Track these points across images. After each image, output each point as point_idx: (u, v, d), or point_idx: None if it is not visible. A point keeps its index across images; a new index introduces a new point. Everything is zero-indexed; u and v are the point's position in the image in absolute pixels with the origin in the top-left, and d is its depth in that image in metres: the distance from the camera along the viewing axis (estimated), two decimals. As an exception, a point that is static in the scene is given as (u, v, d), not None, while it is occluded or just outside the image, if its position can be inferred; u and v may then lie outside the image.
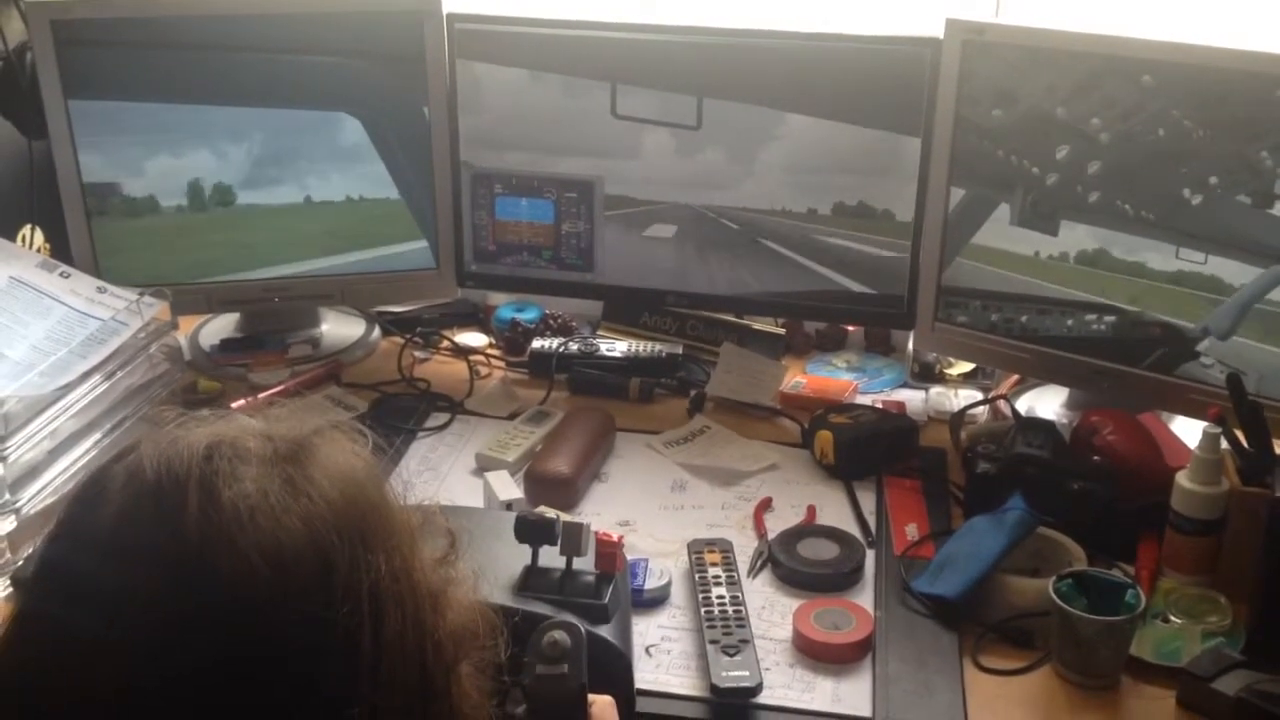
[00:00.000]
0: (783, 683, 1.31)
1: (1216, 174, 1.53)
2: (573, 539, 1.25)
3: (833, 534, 1.52)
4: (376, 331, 2.08)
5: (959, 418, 1.76)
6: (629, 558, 1.38)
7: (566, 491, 1.59)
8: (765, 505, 1.61)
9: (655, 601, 1.42)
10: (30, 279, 1.67)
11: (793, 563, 1.46)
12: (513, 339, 2.02)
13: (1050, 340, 1.71)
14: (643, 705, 1.26)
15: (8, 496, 1.43)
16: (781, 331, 2.03)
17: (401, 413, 1.82)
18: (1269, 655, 1.28)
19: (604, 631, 1.21)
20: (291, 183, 1.93)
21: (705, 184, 1.89)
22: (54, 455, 1.52)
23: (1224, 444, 1.40)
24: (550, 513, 1.47)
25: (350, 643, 0.72)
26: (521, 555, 1.26)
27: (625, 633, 1.27)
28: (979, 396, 1.84)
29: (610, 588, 1.25)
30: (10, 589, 1.34)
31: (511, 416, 1.81)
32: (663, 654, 1.35)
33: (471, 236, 1.98)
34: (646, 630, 1.38)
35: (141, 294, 1.67)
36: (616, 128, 1.88)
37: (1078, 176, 1.63)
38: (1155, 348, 1.63)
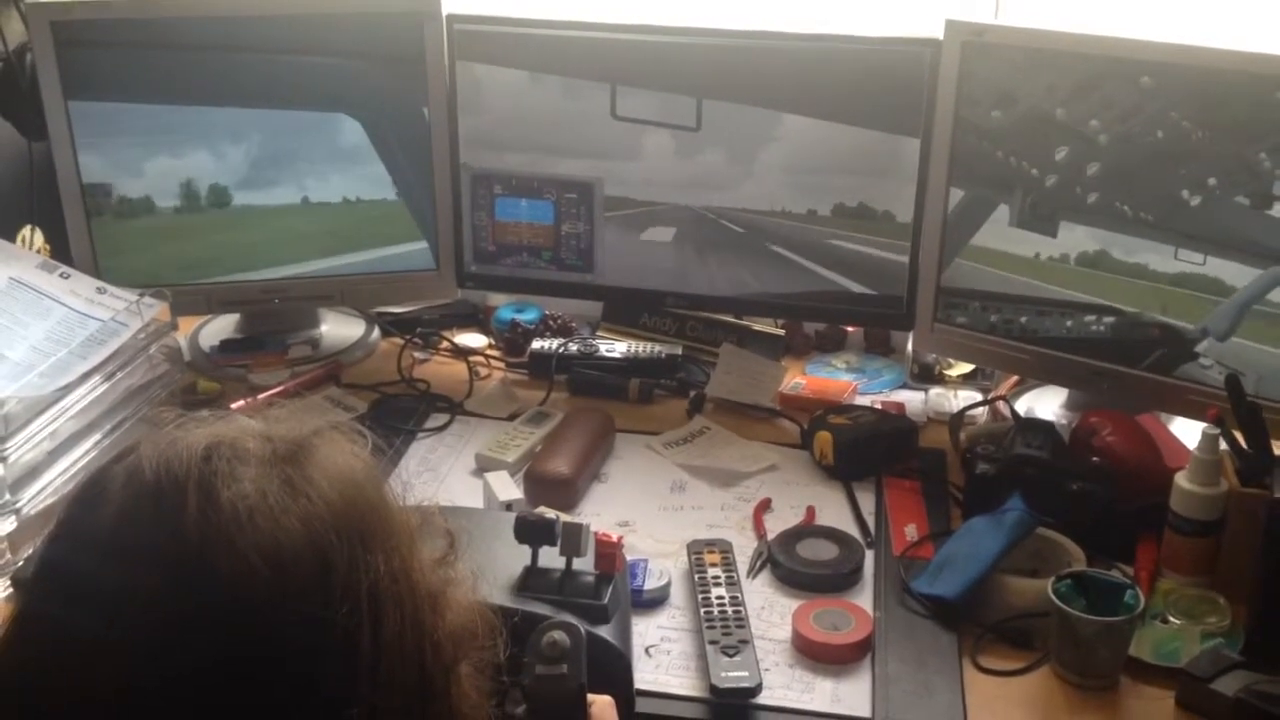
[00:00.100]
0: (782, 683, 1.31)
1: (1215, 175, 1.53)
2: (572, 539, 1.25)
3: (832, 535, 1.52)
4: (376, 332, 2.08)
5: (958, 418, 1.76)
6: (628, 558, 1.38)
7: (566, 492, 1.59)
8: (765, 506, 1.61)
9: (655, 602, 1.42)
10: (30, 280, 1.67)
11: (792, 563, 1.46)
12: (512, 340, 2.02)
13: (1049, 341, 1.71)
14: (642, 706, 1.26)
15: (8, 497, 1.43)
16: (781, 332, 2.03)
17: (401, 413, 1.82)
18: (1268, 656, 1.28)
19: (603, 632, 1.22)
20: (290, 183, 1.93)
21: (705, 185, 1.89)
22: (54, 456, 1.52)
23: (1223, 445, 1.40)
24: (550, 513, 1.47)
25: (349, 643, 0.72)
26: (521, 556, 1.26)
27: (625, 633, 1.27)
28: (978, 397, 1.84)
29: (610, 588, 1.25)
30: (10, 589, 1.35)
31: (511, 417, 1.81)
32: (662, 654, 1.35)
33: (471, 237, 1.98)
34: (646, 631, 1.38)
35: (141, 295, 1.67)
36: (616, 129, 1.88)
37: (1077, 178, 1.63)
38: (1154, 349, 1.63)
